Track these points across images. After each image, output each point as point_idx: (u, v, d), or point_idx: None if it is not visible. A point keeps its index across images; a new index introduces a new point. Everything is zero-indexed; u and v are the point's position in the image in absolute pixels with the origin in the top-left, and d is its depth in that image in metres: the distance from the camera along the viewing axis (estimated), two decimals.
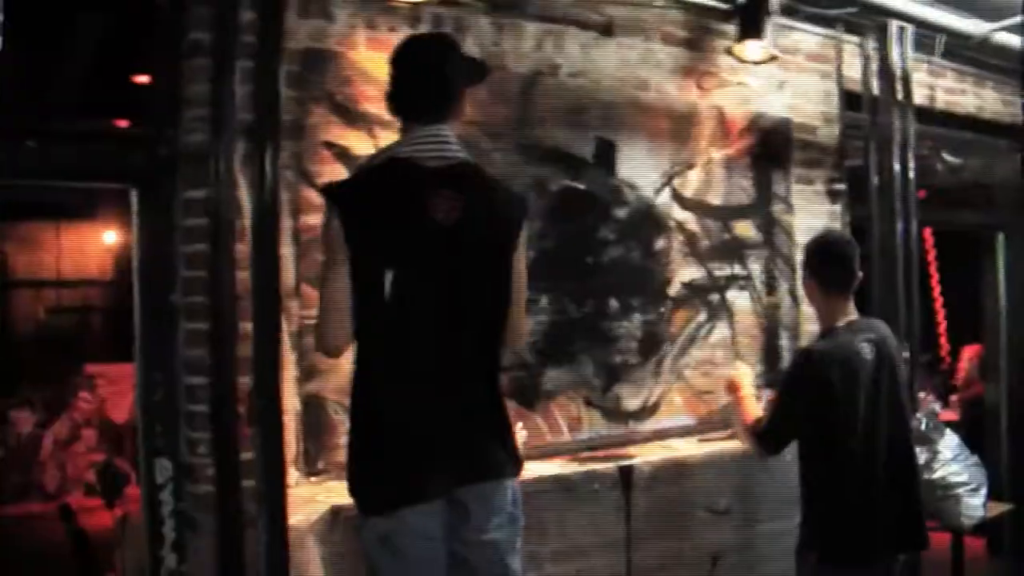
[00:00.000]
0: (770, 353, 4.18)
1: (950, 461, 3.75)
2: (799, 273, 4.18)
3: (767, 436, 2.87)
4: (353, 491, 2.31)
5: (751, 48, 3.78)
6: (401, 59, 2.32)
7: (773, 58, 3.83)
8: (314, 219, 2.95)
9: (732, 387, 3.13)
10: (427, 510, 2.26)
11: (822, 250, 2.95)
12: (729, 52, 3.85)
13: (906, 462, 2.90)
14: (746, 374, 3.20)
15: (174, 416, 2.83)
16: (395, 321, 2.21)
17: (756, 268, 4.16)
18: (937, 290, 8.46)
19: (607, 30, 3.66)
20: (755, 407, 3.01)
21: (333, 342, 2.25)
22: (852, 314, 2.88)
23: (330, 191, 2.27)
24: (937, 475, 3.68)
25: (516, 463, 2.41)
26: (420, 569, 2.29)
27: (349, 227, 2.17)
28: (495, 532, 2.33)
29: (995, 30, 4.38)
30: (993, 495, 4.27)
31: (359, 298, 2.19)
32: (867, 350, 2.78)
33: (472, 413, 2.30)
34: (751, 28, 3.69)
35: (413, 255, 2.21)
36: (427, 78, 2.28)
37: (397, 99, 2.32)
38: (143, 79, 3.06)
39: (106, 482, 5.46)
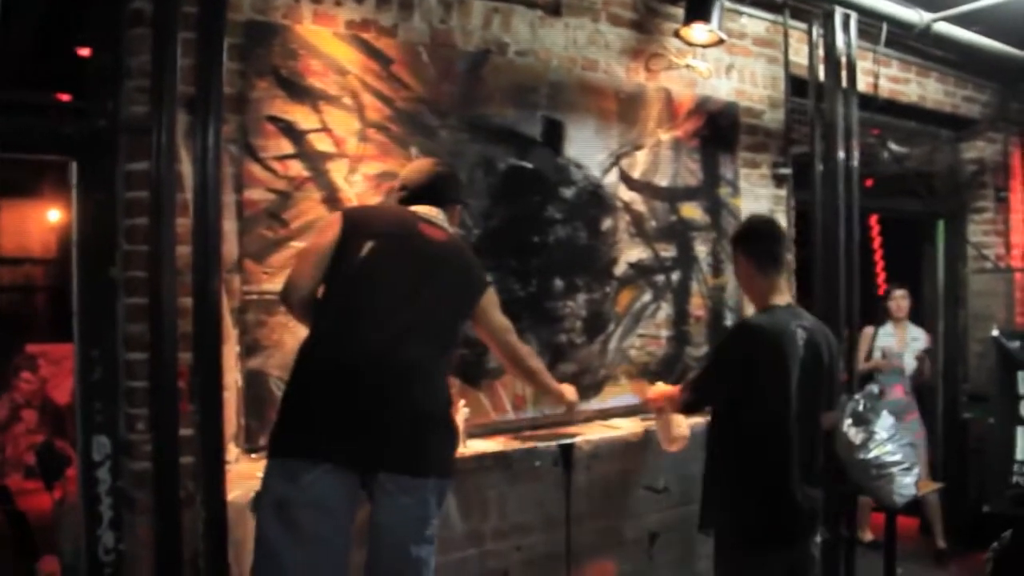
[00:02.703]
0: (715, 334, 4.23)
1: (885, 441, 3.81)
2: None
3: (684, 391, 2.98)
4: (269, 438, 2.43)
5: (698, 31, 3.80)
6: (408, 171, 2.83)
7: (720, 41, 3.86)
8: (257, 194, 2.93)
9: (657, 400, 3.22)
10: (327, 478, 2.29)
11: (753, 232, 2.99)
12: (676, 34, 3.87)
13: (815, 453, 2.87)
14: (656, 387, 3.28)
15: (113, 392, 2.80)
16: (360, 285, 2.47)
17: (702, 250, 4.21)
18: (883, 276, 8.59)
19: (554, 9, 3.66)
20: (674, 390, 3.12)
21: (292, 287, 2.54)
22: (788, 296, 2.91)
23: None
24: (872, 455, 3.75)
25: (445, 469, 2.49)
26: (315, 546, 2.28)
27: (348, 221, 2.56)
28: (395, 517, 2.37)
29: (936, 20, 4.46)
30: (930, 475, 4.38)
31: (335, 263, 2.49)
32: (800, 335, 2.81)
33: (410, 401, 2.41)
34: (698, 11, 3.71)
35: (394, 235, 2.55)
36: (423, 183, 2.74)
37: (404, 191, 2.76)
38: (83, 50, 3.00)
39: (45, 464, 5.34)
